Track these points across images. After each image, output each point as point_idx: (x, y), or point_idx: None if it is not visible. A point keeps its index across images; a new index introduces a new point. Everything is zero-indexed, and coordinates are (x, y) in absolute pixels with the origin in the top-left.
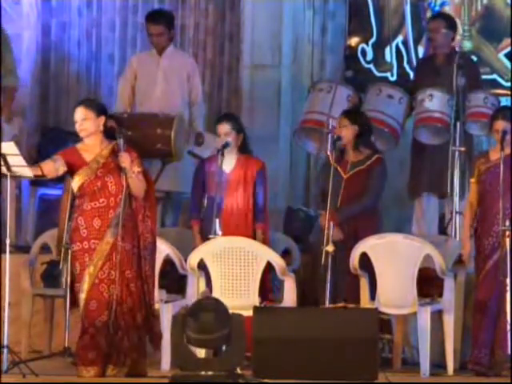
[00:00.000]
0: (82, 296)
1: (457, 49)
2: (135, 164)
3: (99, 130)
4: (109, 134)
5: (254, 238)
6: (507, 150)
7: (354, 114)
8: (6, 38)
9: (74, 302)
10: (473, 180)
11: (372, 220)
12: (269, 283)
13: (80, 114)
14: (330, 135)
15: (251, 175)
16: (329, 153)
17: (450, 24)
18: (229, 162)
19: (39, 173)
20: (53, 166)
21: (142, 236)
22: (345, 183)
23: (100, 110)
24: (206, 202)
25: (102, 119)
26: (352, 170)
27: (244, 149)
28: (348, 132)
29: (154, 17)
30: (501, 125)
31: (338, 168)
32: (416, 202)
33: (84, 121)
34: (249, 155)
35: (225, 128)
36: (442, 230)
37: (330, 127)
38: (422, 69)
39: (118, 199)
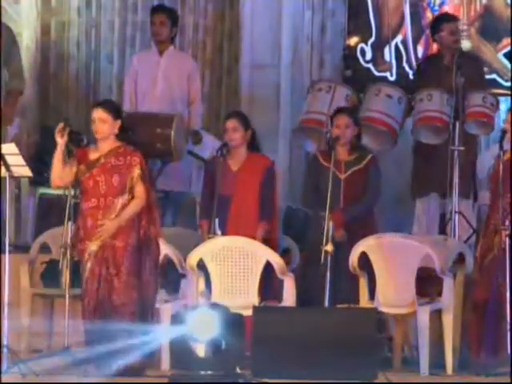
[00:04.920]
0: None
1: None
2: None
3: (113, 132)
4: (121, 135)
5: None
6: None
7: (355, 114)
8: (14, 39)
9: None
10: None
11: (369, 219)
12: (277, 283)
13: (99, 115)
14: (328, 134)
15: (260, 173)
16: (317, 151)
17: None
18: (237, 160)
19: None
20: (69, 169)
21: (146, 240)
22: (343, 184)
23: (118, 113)
24: (215, 201)
25: (118, 123)
26: (349, 170)
27: (253, 146)
28: (351, 132)
29: (158, 7)
30: None
31: (333, 168)
32: (418, 201)
33: (102, 123)
34: (258, 153)
35: (233, 123)
36: (442, 229)
37: (330, 127)
38: (430, 68)
39: (108, 201)
